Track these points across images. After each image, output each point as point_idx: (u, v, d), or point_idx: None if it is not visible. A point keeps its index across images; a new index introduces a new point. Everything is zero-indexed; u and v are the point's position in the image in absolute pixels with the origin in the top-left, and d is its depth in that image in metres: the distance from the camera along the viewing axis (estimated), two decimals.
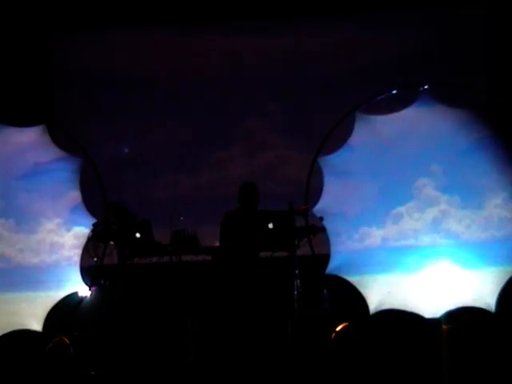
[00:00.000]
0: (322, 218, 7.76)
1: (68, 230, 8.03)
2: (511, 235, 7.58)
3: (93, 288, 8.00)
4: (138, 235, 8.08)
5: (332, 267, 7.75)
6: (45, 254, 7.98)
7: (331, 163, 7.91)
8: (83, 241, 7.97)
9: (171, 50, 10.06)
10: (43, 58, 9.95)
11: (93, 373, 7.24)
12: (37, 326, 7.86)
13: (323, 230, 7.81)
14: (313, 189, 7.95)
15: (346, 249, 7.77)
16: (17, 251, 7.99)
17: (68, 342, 6.91)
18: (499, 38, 9.62)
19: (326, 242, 7.82)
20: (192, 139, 9.92)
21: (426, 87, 7.86)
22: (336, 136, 8.01)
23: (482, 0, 9.67)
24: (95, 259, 8.04)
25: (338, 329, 6.84)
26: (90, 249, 8.03)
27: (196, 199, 9.70)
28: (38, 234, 8.01)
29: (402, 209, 7.77)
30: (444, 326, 7.49)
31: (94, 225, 7.99)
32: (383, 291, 7.66)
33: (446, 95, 7.95)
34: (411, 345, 7.90)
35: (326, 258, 7.80)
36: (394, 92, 8.05)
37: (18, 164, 8.08)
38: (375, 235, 7.75)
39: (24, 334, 7.85)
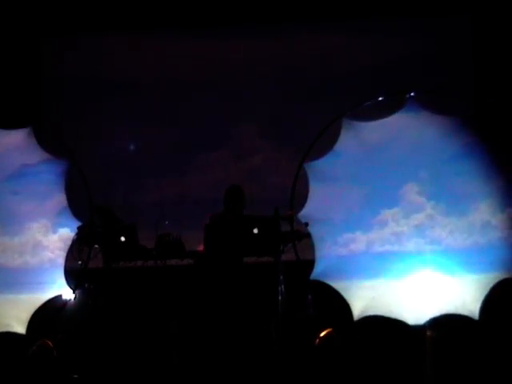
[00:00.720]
0: (307, 224, 7.77)
1: (53, 233, 8.04)
2: (495, 242, 7.61)
3: (77, 291, 8.00)
4: (122, 239, 8.04)
5: (317, 273, 7.76)
6: (29, 256, 7.98)
7: (317, 169, 7.94)
8: (68, 244, 7.98)
9: (161, 53, 10.04)
10: (32, 61, 9.92)
11: (76, 376, 7.21)
12: (20, 328, 7.85)
13: (308, 235, 7.82)
14: (298, 194, 7.97)
15: (331, 254, 7.79)
16: (0, 253, 7.98)
17: (52, 345, 6.87)
18: (485, 44, 9.63)
19: (311, 248, 7.83)
20: (179, 143, 9.89)
21: (412, 94, 7.89)
22: (322, 142, 8.03)
23: (468, 6, 9.67)
24: (80, 262, 8.02)
25: (322, 334, 6.82)
26: (75, 252, 8.01)
27: (182, 203, 9.67)
28: (22, 236, 8.00)
29: (387, 215, 7.79)
30: (428, 333, 7.51)
31: (78, 228, 7.99)
32: (367, 297, 7.67)
33: (433, 102, 7.97)
34: (395, 351, 7.92)
35: (310, 263, 7.81)
36: (381, 99, 8.08)
37: (3, 166, 8.08)
38: (360, 241, 7.77)
39: (7, 337, 7.83)
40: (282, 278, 7.76)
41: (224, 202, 7.91)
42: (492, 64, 9.57)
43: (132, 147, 9.94)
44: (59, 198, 8.07)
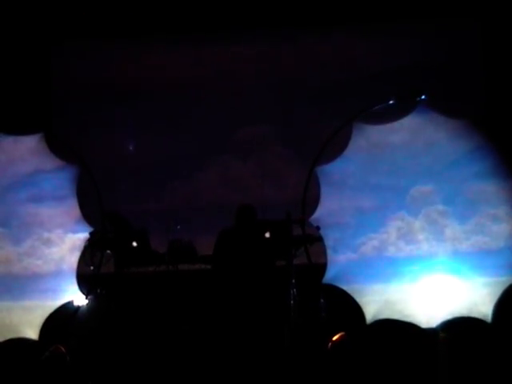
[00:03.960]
0: (318, 228, 7.78)
1: (65, 239, 8.06)
2: (507, 246, 7.60)
3: (89, 297, 8.01)
4: (134, 244, 8.06)
5: (329, 276, 7.77)
6: (41, 262, 8.00)
7: (328, 173, 7.94)
8: (80, 249, 7.99)
9: (169, 60, 10.03)
10: (42, 67, 9.93)
11: (90, 382, 7.21)
12: (33, 334, 7.88)
13: (320, 239, 7.82)
14: (310, 198, 7.97)
15: (343, 258, 7.80)
16: (13, 259, 7.99)
17: (64, 350, 6.86)
18: (495, 47, 9.60)
19: (323, 252, 7.83)
20: (189, 147, 9.88)
21: (423, 97, 7.88)
22: (333, 145, 8.03)
23: (477, 9, 9.64)
24: (92, 268, 8.03)
25: (335, 338, 6.80)
26: (87, 257, 8.03)
27: (193, 208, 9.64)
28: (34, 242, 8.02)
29: (398, 219, 7.79)
30: (440, 336, 7.50)
31: (91, 233, 8.01)
32: (380, 301, 7.67)
33: (443, 105, 7.97)
34: (408, 354, 7.89)
35: (322, 267, 7.81)
36: (391, 102, 8.07)
37: (15, 172, 8.11)
38: (372, 245, 7.77)
39: (20, 343, 7.85)
40: (294, 281, 7.74)
41: (235, 220, 7.77)
42: (501, 66, 9.55)
43: (143, 153, 9.92)
44: (71, 204, 8.10)
